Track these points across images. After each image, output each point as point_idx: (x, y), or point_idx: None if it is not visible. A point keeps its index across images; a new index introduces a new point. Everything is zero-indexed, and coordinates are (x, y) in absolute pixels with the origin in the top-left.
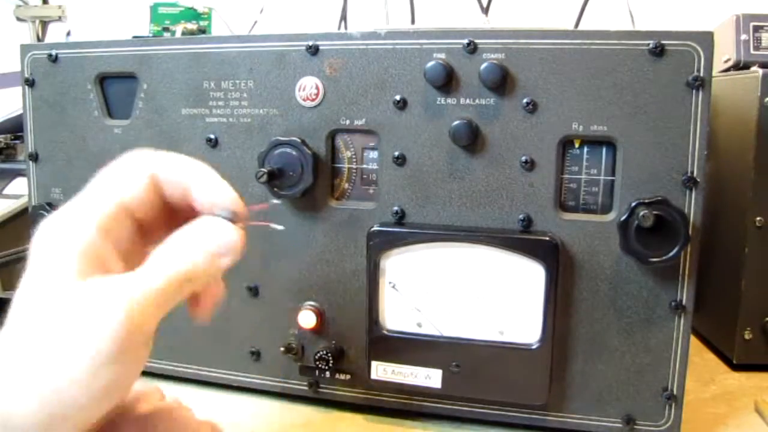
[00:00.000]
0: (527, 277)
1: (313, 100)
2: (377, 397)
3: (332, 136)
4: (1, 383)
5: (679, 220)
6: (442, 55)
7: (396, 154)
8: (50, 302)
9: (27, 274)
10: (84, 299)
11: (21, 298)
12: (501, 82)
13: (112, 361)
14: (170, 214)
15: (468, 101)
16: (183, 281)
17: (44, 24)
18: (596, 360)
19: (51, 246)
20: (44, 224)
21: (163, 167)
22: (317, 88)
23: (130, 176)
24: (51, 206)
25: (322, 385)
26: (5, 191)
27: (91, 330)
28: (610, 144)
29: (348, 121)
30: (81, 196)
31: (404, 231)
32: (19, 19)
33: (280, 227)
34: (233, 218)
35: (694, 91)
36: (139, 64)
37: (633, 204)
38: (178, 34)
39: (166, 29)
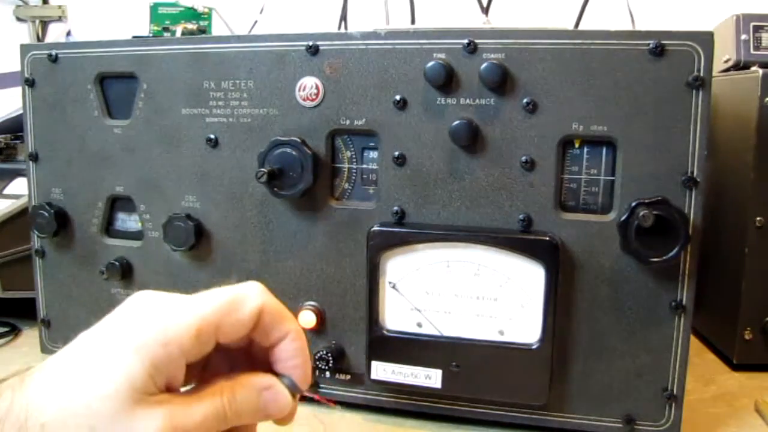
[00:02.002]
0: (527, 277)
1: (313, 100)
2: (377, 397)
3: (332, 136)
4: None
5: (679, 220)
6: (442, 55)
7: (396, 154)
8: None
9: (94, 338)
10: (133, 426)
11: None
12: (501, 82)
13: None
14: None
15: (468, 101)
16: (224, 421)
17: (44, 24)
18: (596, 360)
19: (130, 336)
20: (145, 301)
21: (271, 311)
22: (317, 88)
23: (243, 307)
24: (51, 206)
25: (322, 385)
26: (5, 191)
27: None
28: (610, 144)
29: (348, 121)
30: (194, 299)
31: (404, 231)
32: (19, 19)
33: (334, 406)
34: (294, 390)
35: (694, 91)
36: (139, 64)
37: (633, 204)
38: (178, 34)
39: (166, 29)
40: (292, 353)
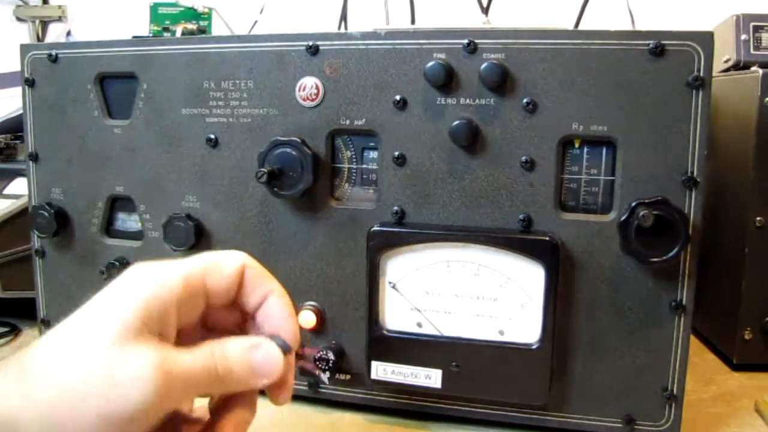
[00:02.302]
0: (527, 277)
1: (313, 100)
2: (377, 397)
3: (332, 136)
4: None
5: (679, 220)
6: (442, 55)
7: (396, 154)
8: (86, 354)
9: (91, 304)
10: (125, 359)
11: (80, 317)
12: (501, 82)
13: (124, 419)
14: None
15: (468, 101)
16: (216, 378)
17: (44, 24)
18: (596, 360)
19: (124, 291)
20: (138, 267)
21: (253, 267)
22: (317, 88)
23: (226, 262)
24: (51, 206)
25: (322, 385)
26: (5, 191)
27: (116, 390)
28: (610, 144)
29: (348, 121)
30: (181, 261)
31: (404, 231)
32: (19, 19)
33: (325, 378)
34: (285, 349)
35: (694, 91)
36: (139, 64)
37: (633, 204)
38: (178, 34)
39: (166, 29)
40: (278, 310)
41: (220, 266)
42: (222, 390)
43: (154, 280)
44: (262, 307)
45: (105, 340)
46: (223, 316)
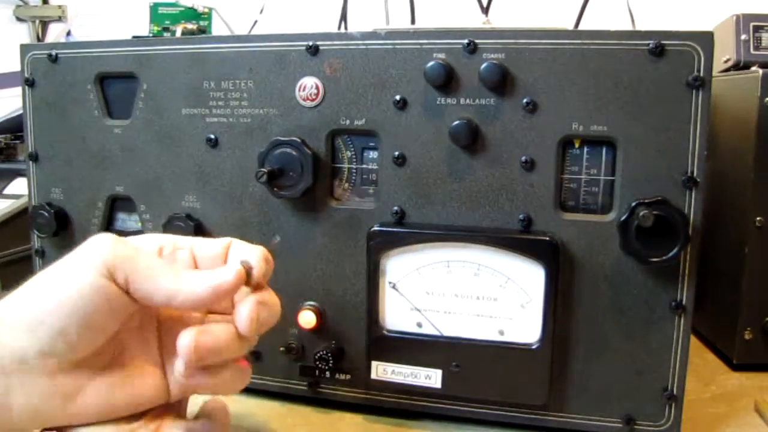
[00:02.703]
0: (527, 277)
1: (313, 100)
2: (377, 397)
3: (332, 136)
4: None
5: (679, 220)
6: (442, 55)
7: (396, 154)
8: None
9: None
10: (80, 250)
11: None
12: (501, 82)
13: (86, 293)
14: None
15: (468, 101)
16: (172, 271)
17: (44, 24)
18: (596, 360)
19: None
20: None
21: (238, 242)
22: (317, 88)
23: (214, 240)
24: (51, 206)
25: (322, 385)
26: (5, 191)
27: (75, 263)
28: (610, 144)
29: (348, 121)
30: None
31: (404, 231)
32: (19, 19)
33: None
34: (247, 266)
35: (694, 91)
36: (139, 64)
37: (633, 204)
38: (178, 34)
39: (166, 29)
40: (243, 247)
41: (209, 240)
42: (173, 283)
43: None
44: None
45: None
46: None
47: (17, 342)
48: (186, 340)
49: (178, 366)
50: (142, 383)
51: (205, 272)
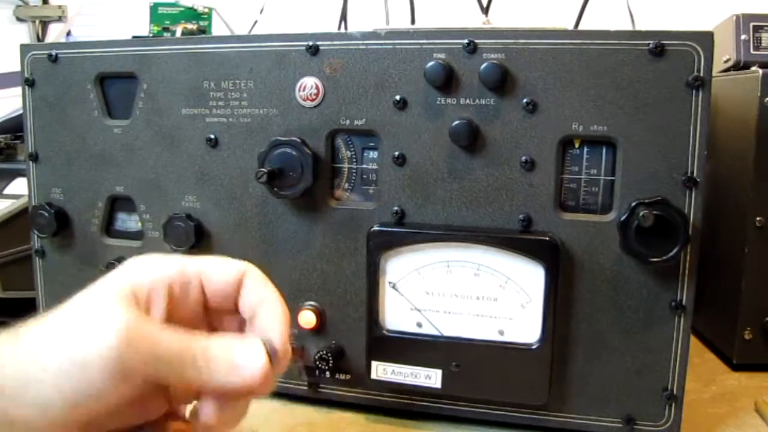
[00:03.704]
0: (527, 277)
1: (313, 100)
2: (377, 397)
3: (332, 136)
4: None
5: (679, 220)
6: (442, 55)
7: (396, 154)
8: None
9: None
10: (101, 310)
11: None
12: (501, 82)
13: (84, 366)
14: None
15: (468, 101)
16: (191, 364)
17: (44, 24)
18: (596, 360)
19: (120, 270)
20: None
21: (253, 274)
22: (317, 88)
23: (227, 265)
24: (51, 206)
25: (322, 385)
26: (5, 191)
27: (81, 333)
28: (610, 144)
29: (348, 121)
30: (186, 256)
31: (404, 231)
32: (19, 19)
33: (304, 382)
34: (271, 352)
35: (694, 91)
36: (139, 64)
37: (633, 204)
38: (178, 34)
39: (166, 29)
40: (272, 318)
41: (220, 267)
42: (198, 379)
43: (150, 262)
44: (257, 315)
45: (92, 299)
46: (229, 322)
47: (25, 417)
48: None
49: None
50: (147, 411)
51: (228, 362)
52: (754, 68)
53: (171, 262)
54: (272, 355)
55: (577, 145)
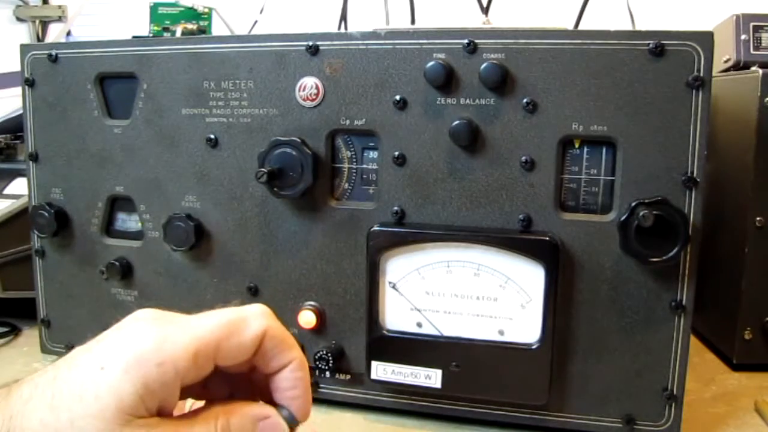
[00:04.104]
0: (527, 277)
1: (313, 100)
2: (377, 397)
3: (332, 136)
4: None
5: (679, 220)
6: (442, 55)
7: (396, 154)
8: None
9: (90, 357)
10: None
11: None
12: (501, 82)
13: None
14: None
15: (468, 101)
16: None
17: (44, 24)
18: (596, 360)
19: (126, 364)
20: (146, 323)
21: (274, 335)
22: (317, 88)
23: (245, 331)
24: (51, 206)
25: (322, 385)
26: (5, 191)
27: None
28: (610, 144)
29: (348, 121)
30: (195, 319)
31: (404, 231)
32: (19, 19)
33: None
34: (291, 422)
35: (694, 91)
36: (139, 64)
37: (633, 204)
38: (178, 34)
39: (166, 29)
40: (293, 383)
41: (238, 335)
42: None
43: (159, 344)
44: (277, 375)
45: (97, 426)
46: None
47: None
48: None
49: None
50: None
51: None
52: (754, 68)
53: (181, 352)
54: (292, 425)
55: (577, 145)
